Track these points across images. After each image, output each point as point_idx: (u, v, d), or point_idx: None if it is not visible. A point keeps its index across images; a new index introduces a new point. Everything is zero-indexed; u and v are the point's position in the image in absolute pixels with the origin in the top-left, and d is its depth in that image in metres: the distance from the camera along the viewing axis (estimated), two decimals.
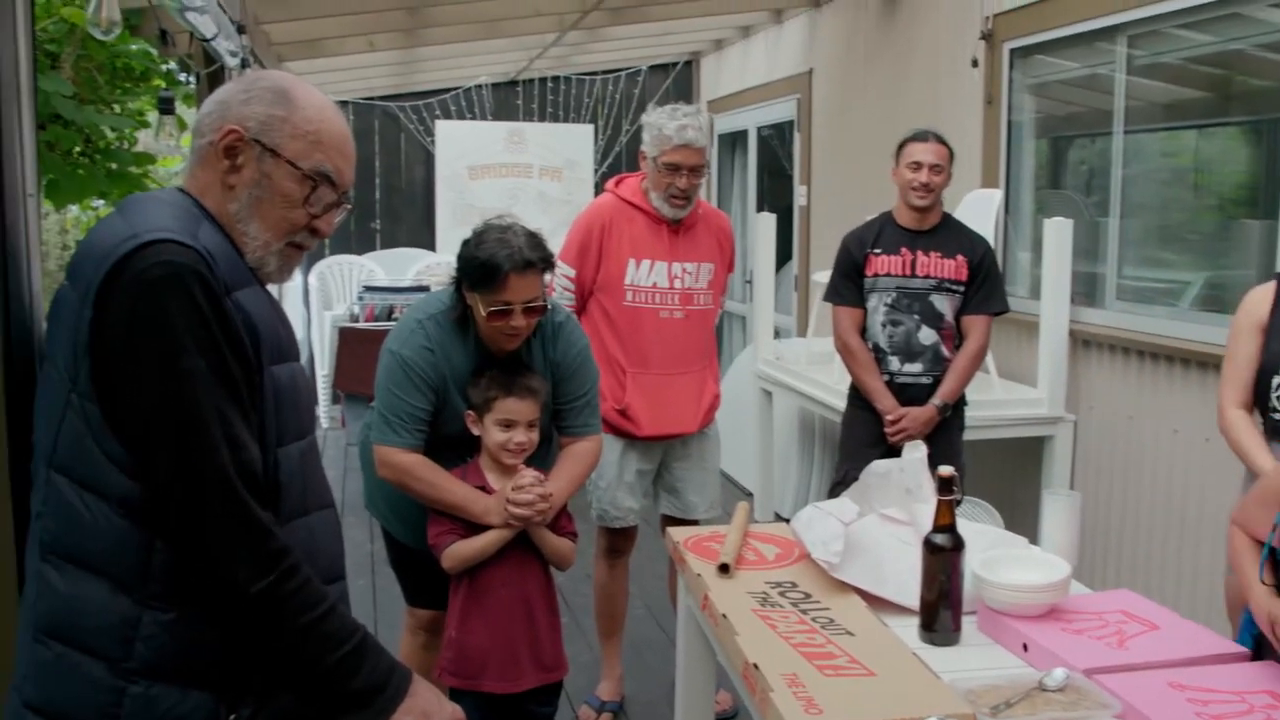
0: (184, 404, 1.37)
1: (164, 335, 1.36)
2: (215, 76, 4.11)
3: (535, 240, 2.62)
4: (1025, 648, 1.99)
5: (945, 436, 3.74)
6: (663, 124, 3.42)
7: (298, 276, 8.23)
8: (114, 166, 5.68)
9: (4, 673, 1.52)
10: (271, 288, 1.64)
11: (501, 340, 2.65)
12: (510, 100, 9.38)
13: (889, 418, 3.71)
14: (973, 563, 2.11)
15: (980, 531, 2.38)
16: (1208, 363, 3.66)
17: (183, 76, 4.62)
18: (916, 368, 3.76)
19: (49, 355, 1.46)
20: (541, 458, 2.78)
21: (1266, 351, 2.67)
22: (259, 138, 1.53)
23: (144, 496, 1.39)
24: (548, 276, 2.68)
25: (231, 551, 1.39)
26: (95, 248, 1.41)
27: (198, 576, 1.41)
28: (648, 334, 3.49)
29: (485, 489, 2.62)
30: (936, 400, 3.71)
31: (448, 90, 9.16)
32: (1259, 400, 2.69)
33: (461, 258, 2.64)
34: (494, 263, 2.54)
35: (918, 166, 3.69)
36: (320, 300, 8.44)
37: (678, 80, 9.42)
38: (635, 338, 3.49)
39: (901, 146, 3.78)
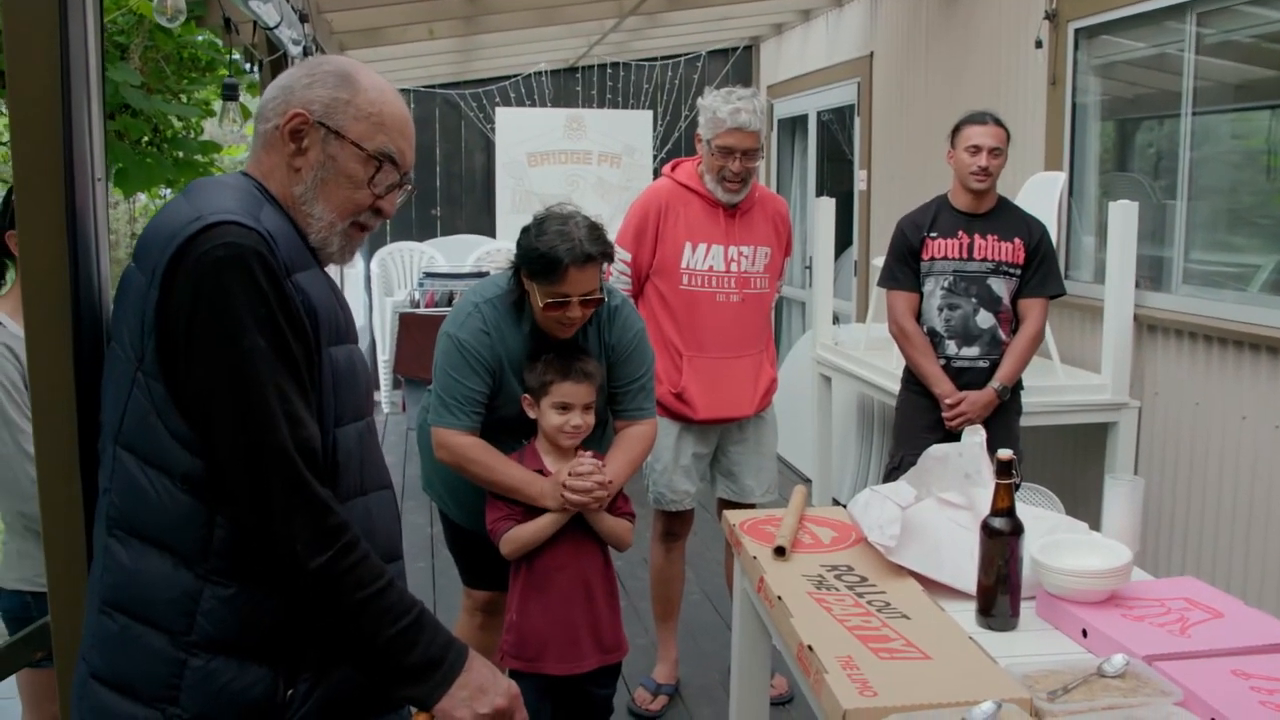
0: (245, 381, 1.40)
1: (226, 314, 1.39)
2: (278, 65, 4.17)
3: (596, 232, 2.63)
4: (1084, 633, 1.96)
5: (1002, 421, 3.70)
6: (717, 107, 3.42)
7: (359, 262, 8.34)
8: (180, 155, 5.79)
9: (75, 642, 1.57)
10: (333, 273, 1.67)
11: (557, 329, 2.67)
12: (570, 86, 9.40)
13: (947, 401, 3.67)
14: (1032, 547, 2.08)
15: (1040, 516, 2.36)
16: (1278, 348, 3.58)
17: (247, 66, 4.69)
18: (974, 351, 3.72)
19: (115, 335, 1.50)
20: (597, 441, 2.80)
21: None
22: (324, 120, 1.55)
23: (206, 473, 1.43)
24: (606, 265, 2.68)
25: (291, 526, 1.42)
26: (161, 230, 1.45)
27: (258, 551, 1.44)
28: (704, 318, 3.49)
29: (542, 472, 2.64)
30: (995, 384, 3.67)
31: (508, 77, 9.20)
32: None
33: (521, 246, 2.65)
34: (554, 255, 2.54)
35: (976, 150, 3.64)
36: (381, 286, 8.54)
37: (737, 65, 9.37)
38: (691, 321, 3.50)
39: (957, 129, 3.73)
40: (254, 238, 1.42)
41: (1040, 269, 3.72)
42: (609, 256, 2.66)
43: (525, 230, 2.67)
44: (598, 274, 2.63)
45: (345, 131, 1.56)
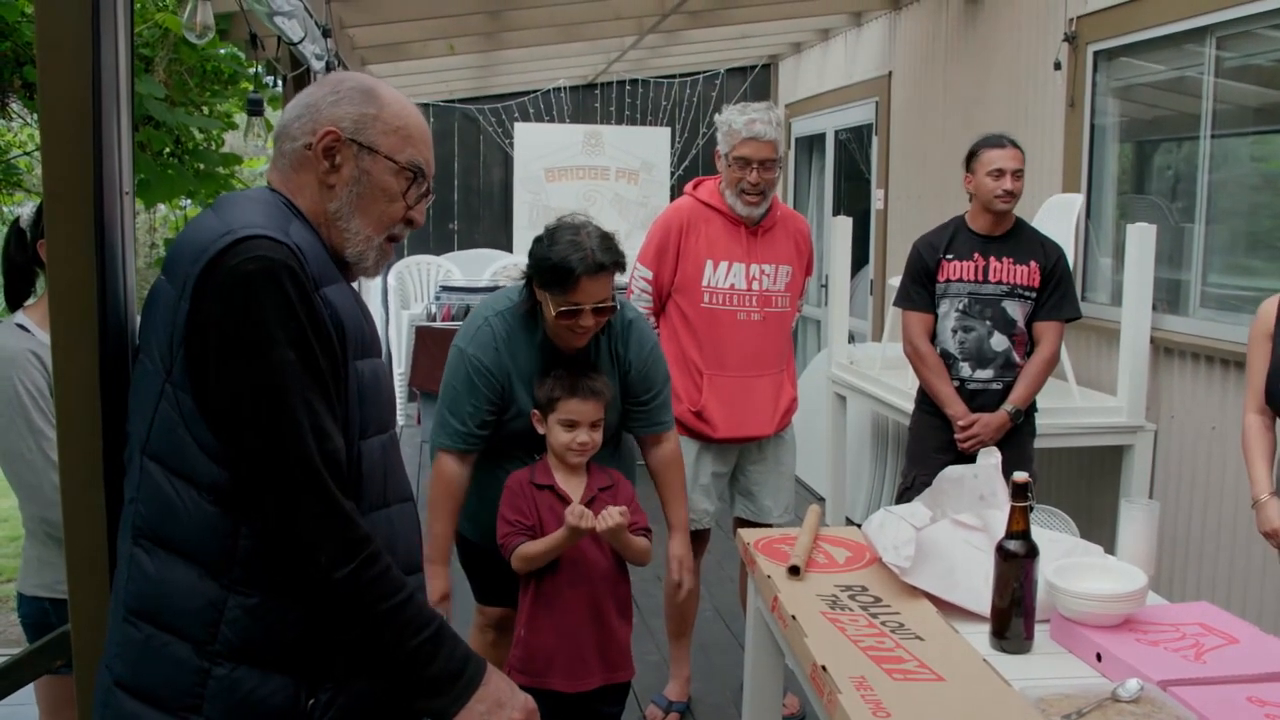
0: (274, 393, 1.42)
1: (256, 327, 1.41)
2: (301, 80, 4.20)
3: (608, 242, 2.64)
4: (1099, 657, 1.96)
5: (1016, 442, 3.69)
6: (732, 120, 3.46)
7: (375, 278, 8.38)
8: (201, 167, 5.82)
9: (95, 650, 1.58)
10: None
11: (569, 338, 2.68)
12: (588, 103, 9.44)
13: (960, 423, 3.67)
14: (1046, 570, 2.08)
15: (1055, 539, 2.36)
16: None
17: (269, 80, 4.73)
18: (988, 374, 3.72)
19: (143, 347, 1.51)
20: (607, 457, 2.80)
21: (1274, 357, 2.92)
22: (355, 137, 1.58)
23: (232, 483, 1.44)
24: (619, 276, 2.69)
25: (316, 538, 1.44)
26: (191, 243, 1.47)
27: (283, 562, 1.45)
28: (725, 336, 3.50)
29: (554, 489, 2.65)
30: (1008, 406, 3.67)
31: (526, 93, 9.25)
32: (1271, 401, 2.94)
33: (533, 256, 2.66)
34: (566, 265, 2.56)
35: (1000, 174, 3.64)
36: (398, 300, 8.58)
37: (755, 83, 9.40)
38: (712, 339, 3.50)
39: (975, 154, 3.73)
40: (284, 252, 1.44)
41: (1056, 292, 3.72)
42: (621, 266, 2.67)
43: (538, 240, 2.68)
44: (610, 283, 2.64)
45: (377, 146, 1.60)
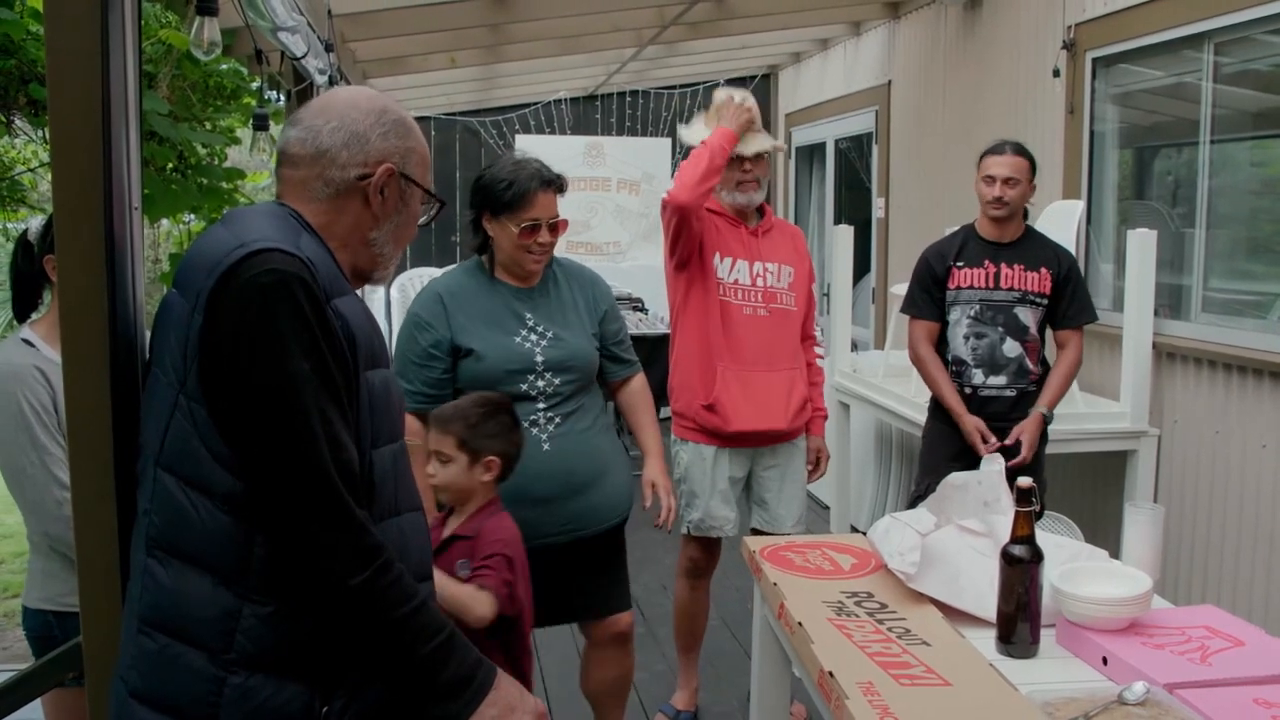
0: (288, 404, 1.43)
1: (271, 339, 1.43)
2: (304, 94, 4.23)
3: (547, 165, 2.83)
4: (1105, 661, 1.97)
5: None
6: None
7: (379, 288, 8.40)
8: (205, 182, 5.85)
9: (110, 661, 1.59)
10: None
11: (526, 262, 2.80)
12: (589, 114, 9.47)
13: (987, 441, 3.65)
14: (1052, 575, 2.09)
15: (1060, 544, 2.36)
16: None
17: (271, 94, 4.76)
18: (1000, 380, 3.72)
19: (155, 359, 1.53)
20: (595, 411, 2.93)
21: None
22: (404, 171, 1.66)
23: (246, 493, 1.45)
24: (560, 200, 2.84)
25: (330, 547, 1.45)
26: (204, 257, 1.48)
27: (297, 571, 1.46)
28: (735, 328, 3.49)
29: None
30: (1041, 408, 3.67)
31: (527, 105, 9.28)
32: None
33: (481, 184, 2.81)
34: (519, 179, 2.74)
35: (991, 180, 3.67)
36: (401, 311, 8.59)
37: (755, 93, 9.39)
38: (724, 331, 3.48)
39: (979, 160, 3.76)
40: (297, 264, 1.46)
41: (1074, 299, 3.74)
42: (563, 187, 2.84)
43: (482, 174, 2.84)
44: (556, 202, 2.81)
45: (415, 178, 1.68)
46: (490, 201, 2.78)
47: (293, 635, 1.49)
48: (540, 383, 2.80)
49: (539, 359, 2.80)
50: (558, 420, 2.83)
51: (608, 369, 3.01)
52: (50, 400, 2.47)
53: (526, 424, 2.71)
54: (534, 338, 2.82)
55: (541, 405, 2.81)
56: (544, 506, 2.75)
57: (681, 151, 3.62)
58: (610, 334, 2.99)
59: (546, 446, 2.79)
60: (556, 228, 2.81)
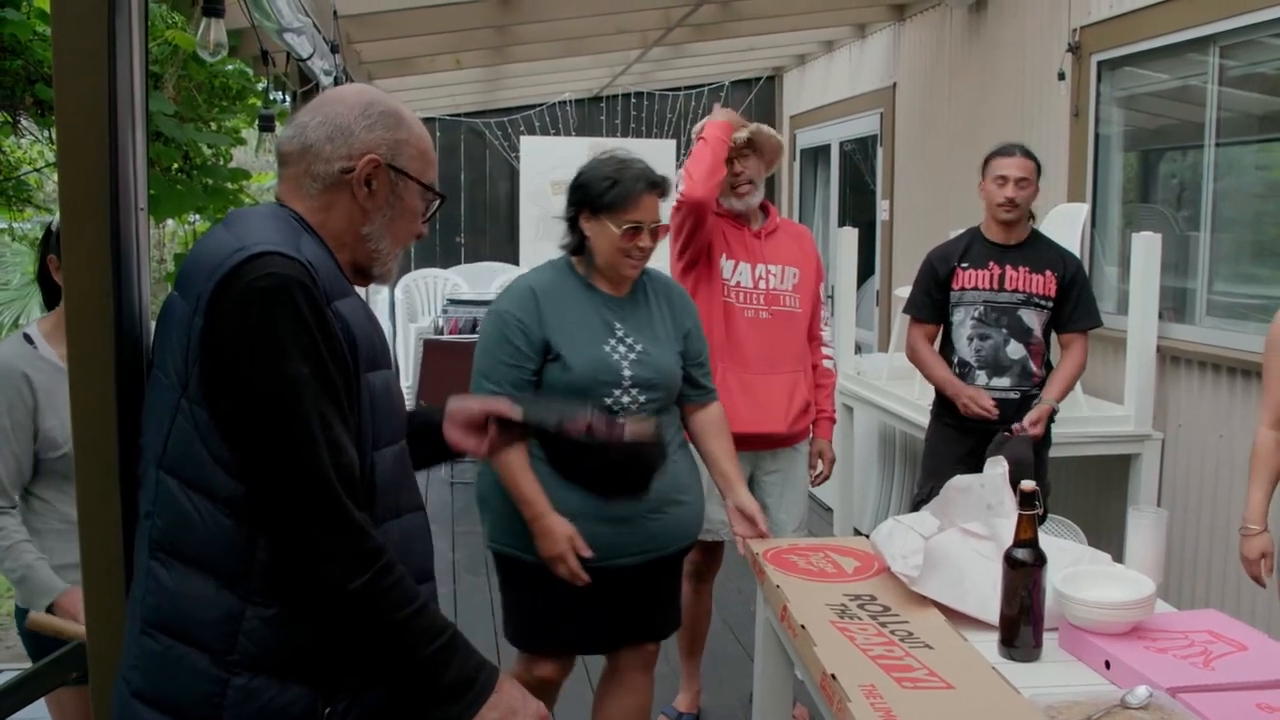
0: (288, 408, 1.43)
1: (270, 342, 1.43)
2: (310, 95, 4.23)
3: (652, 167, 2.69)
4: (1107, 665, 1.97)
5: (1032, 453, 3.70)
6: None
7: (383, 289, 8.42)
8: (210, 182, 5.86)
9: (115, 662, 1.59)
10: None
11: (624, 266, 2.67)
12: (594, 116, 9.48)
13: (973, 403, 3.64)
14: (1055, 579, 2.09)
15: (1063, 548, 2.37)
16: None
17: (276, 95, 4.76)
18: (1004, 382, 3.72)
19: (158, 362, 1.53)
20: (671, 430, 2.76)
21: None
22: (392, 163, 1.62)
23: (248, 496, 1.46)
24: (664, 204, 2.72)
25: (330, 550, 1.45)
26: (205, 260, 1.48)
27: (298, 575, 1.46)
28: (738, 330, 3.48)
29: None
30: (1050, 400, 3.66)
31: (532, 106, 9.29)
32: None
33: (584, 180, 2.68)
34: (626, 179, 2.61)
35: (1003, 181, 3.67)
36: (405, 313, 8.61)
37: (760, 95, 9.43)
38: (728, 333, 3.49)
39: (988, 161, 3.76)
40: (296, 268, 1.46)
41: (1080, 303, 3.74)
42: (667, 191, 2.70)
43: (583, 170, 2.72)
44: (659, 208, 2.66)
45: (408, 170, 1.64)
46: (591, 199, 2.64)
47: (295, 637, 1.49)
48: (625, 398, 2.66)
49: (626, 373, 2.66)
50: None
51: (684, 391, 2.85)
52: (25, 410, 2.46)
53: None
54: (622, 349, 2.67)
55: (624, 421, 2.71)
56: (624, 525, 2.63)
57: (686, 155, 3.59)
58: (692, 354, 2.83)
59: None
60: (658, 232, 2.67)
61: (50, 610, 2.43)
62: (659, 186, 2.65)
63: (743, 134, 3.46)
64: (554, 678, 2.80)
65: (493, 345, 2.63)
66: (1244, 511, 2.93)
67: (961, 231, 3.92)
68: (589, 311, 2.68)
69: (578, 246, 2.72)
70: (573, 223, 2.71)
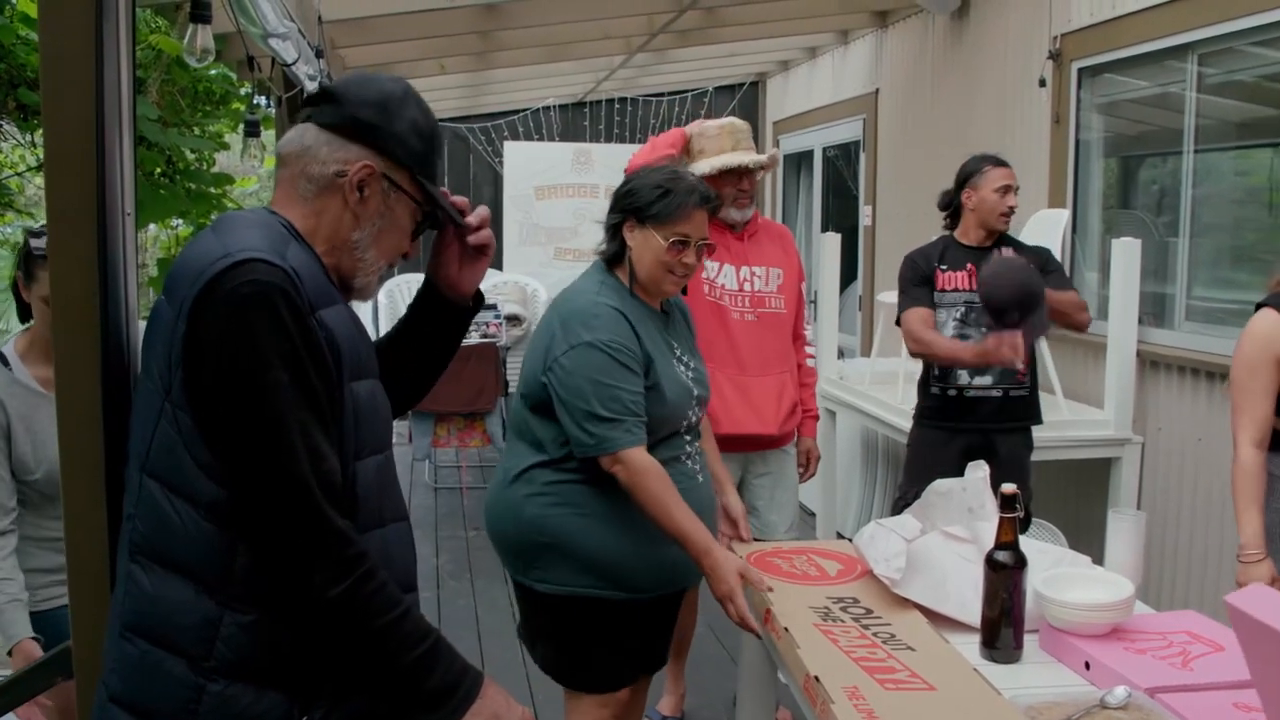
0: (266, 415, 1.43)
1: (251, 350, 1.43)
2: (295, 100, 4.23)
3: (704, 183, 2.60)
4: (1087, 666, 1.99)
5: (1014, 456, 3.72)
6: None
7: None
8: (193, 187, 5.86)
9: (96, 666, 1.59)
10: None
11: (667, 282, 2.54)
12: (578, 121, 9.49)
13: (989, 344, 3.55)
14: (1035, 581, 2.11)
15: (1043, 550, 2.39)
16: None
17: (261, 100, 4.77)
18: (986, 380, 3.75)
19: (144, 367, 1.53)
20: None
21: None
22: (387, 173, 1.62)
23: (230, 502, 1.46)
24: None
25: (310, 557, 1.45)
26: (189, 265, 1.48)
27: (278, 580, 1.46)
28: (725, 332, 3.49)
29: None
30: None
31: (516, 112, 9.29)
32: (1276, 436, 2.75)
33: (632, 187, 2.56)
34: (678, 190, 2.49)
35: (1005, 190, 3.74)
36: (389, 317, 8.59)
37: (743, 101, 9.46)
38: (714, 335, 3.48)
39: (979, 172, 3.77)
40: (279, 275, 1.46)
41: (1058, 277, 3.76)
42: (718, 210, 2.63)
43: (627, 179, 2.62)
44: (707, 226, 2.56)
45: (403, 185, 1.64)
46: (638, 207, 2.52)
47: (273, 644, 1.49)
48: (694, 417, 2.61)
49: (695, 393, 2.59)
50: (696, 454, 2.64)
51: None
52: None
53: (681, 457, 2.55)
54: (681, 368, 2.59)
55: (689, 438, 2.61)
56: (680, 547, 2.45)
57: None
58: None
59: (700, 478, 2.62)
60: (703, 251, 2.56)
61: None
62: (710, 202, 2.55)
63: (763, 158, 3.51)
64: (634, 701, 2.76)
65: (610, 380, 2.39)
66: (1239, 538, 2.77)
67: (935, 239, 3.95)
68: (655, 331, 2.56)
69: (616, 255, 2.60)
70: (614, 229, 2.59)
